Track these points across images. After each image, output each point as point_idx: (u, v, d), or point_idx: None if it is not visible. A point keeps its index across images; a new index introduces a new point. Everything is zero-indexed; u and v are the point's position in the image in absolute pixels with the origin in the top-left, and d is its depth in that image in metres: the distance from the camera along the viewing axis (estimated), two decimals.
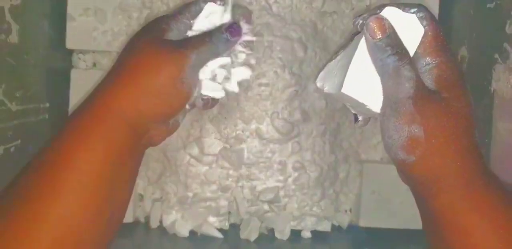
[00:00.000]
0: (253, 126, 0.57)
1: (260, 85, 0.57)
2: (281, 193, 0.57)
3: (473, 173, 0.31)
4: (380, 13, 0.31)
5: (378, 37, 0.30)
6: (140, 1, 0.57)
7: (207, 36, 0.35)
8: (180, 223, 0.57)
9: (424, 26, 0.32)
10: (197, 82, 0.35)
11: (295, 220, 0.58)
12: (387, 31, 0.31)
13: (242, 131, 0.57)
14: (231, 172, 0.57)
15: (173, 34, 0.35)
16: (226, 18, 0.37)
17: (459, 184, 0.30)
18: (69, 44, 0.56)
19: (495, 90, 0.43)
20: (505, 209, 0.30)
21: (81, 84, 0.57)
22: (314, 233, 0.58)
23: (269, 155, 0.57)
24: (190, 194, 0.57)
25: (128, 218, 0.56)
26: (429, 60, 0.31)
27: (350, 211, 0.60)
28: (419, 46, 0.32)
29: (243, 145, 0.57)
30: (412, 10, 0.32)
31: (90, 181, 0.30)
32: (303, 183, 0.57)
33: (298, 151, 0.57)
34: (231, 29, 0.35)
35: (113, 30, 0.57)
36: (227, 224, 0.58)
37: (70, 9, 0.56)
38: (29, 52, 0.49)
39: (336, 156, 0.59)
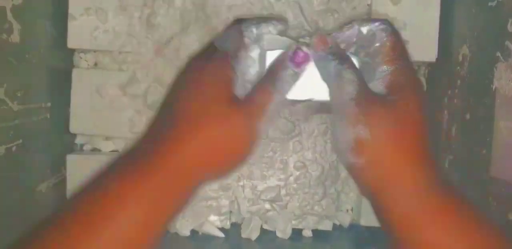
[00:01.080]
0: None
1: None
2: (282, 192, 0.57)
3: (427, 181, 0.29)
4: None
5: (321, 48, 0.32)
6: (141, 0, 0.57)
7: (270, 83, 0.32)
8: (181, 222, 0.57)
9: (383, 38, 0.33)
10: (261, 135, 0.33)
11: (296, 219, 0.58)
12: (329, 44, 0.32)
13: None
14: None
15: (237, 80, 0.32)
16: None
17: (413, 193, 0.29)
18: (70, 44, 0.56)
19: (496, 89, 0.43)
20: (463, 223, 0.29)
21: (83, 84, 0.57)
22: (315, 232, 0.58)
23: (270, 154, 0.57)
24: None
25: None
26: (385, 68, 0.32)
27: (352, 210, 0.60)
28: (378, 56, 0.32)
29: None
30: (376, 24, 0.33)
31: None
32: (304, 182, 0.57)
33: (299, 150, 0.57)
34: (297, 58, 0.32)
35: (114, 29, 0.57)
36: (228, 223, 0.58)
37: (71, 9, 0.56)
38: (31, 51, 0.49)
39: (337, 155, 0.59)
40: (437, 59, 0.56)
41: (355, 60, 0.33)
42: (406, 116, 0.30)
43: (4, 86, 0.43)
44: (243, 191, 0.58)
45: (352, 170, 0.31)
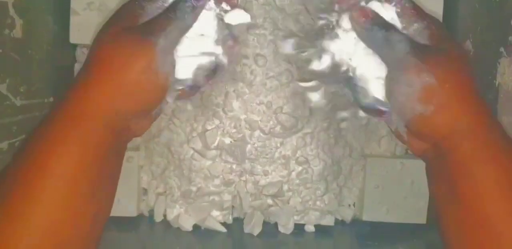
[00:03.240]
0: (257, 120, 0.57)
1: (264, 79, 0.56)
2: (285, 187, 0.58)
3: (490, 120, 0.31)
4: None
5: (364, 21, 0.33)
6: None
7: (170, 11, 0.33)
8: (183, 217, 0.57)
9: (397, 5, 0.34)
10: (173, 67, 0.34)
11: (299, 214, 0.58)
12: (370, 16, 0.34)
13: (246, 126, 0.57)
14: (234, 166, 0.58)
15: (147, 19, 0.34)
16: None
17: (480, 132, 0.31)
18: (73, 39, 0.56)
19: (500, 84, 0.43)
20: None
21: None
22: (318, 227, 0.58)
23: (273, 149, 0.57)
24: (194, 188, 0.57)
25: (132, 212, 0.57)
26: (416, 25, 0.34)
27: (354, 205, 0.61)
28: (402, 20, 0.34)
29: (247, 140, 0.57)
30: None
31: (65, 185, 0.30)
32: (306, 178, 0.57)
33: (302, 145, 0.57)
34: None
35: None
36: (230, 218, 0.58)
37: (73, 4, 0.56)
38: (33, 47, 0.49)
39: (340, 150, 0.59)
40: None
41: None
42: (460, 60, 0.32)
43: (6, 82, 0.43)
44: (246, 186, 0.58)
45: (421, 121, 0.32)
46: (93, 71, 0.32)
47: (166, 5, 0.34)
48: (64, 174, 0.30)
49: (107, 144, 0.32)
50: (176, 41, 0.34)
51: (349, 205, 0.60)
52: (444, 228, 0.33)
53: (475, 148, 0.31)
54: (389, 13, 0.34)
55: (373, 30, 0.33)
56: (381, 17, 0.34)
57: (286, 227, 0.57)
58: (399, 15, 0.34)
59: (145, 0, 0.34)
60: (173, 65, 0.34)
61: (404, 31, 0.34)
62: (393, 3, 0.34)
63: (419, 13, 0.34)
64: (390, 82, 0.33)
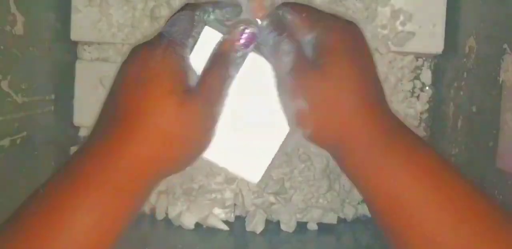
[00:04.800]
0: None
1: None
2: (287, 185, 0.57)
3: (372, 133, 0.30)
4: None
5: (260, 13, 0.32)
6: None
7: (222, 67, 0.30)
8: (185, 215, 0.57)
9: (289, 17, 0.32)
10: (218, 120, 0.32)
11: (301, 212, 0.58)
12: (265, 9, 0.32)
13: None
14: None
15: (190, 70, 0.30)
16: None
17: (358, 147, 0.30)
18: (74, 36, 0.56)
19: (503, 81, 0.42)
20: (410, 168, 0.29)
21: (86, 76, 0.57)
22: (320, 225, 0.58)
23: None
24: (196, 186, 0.57)
25: None
26: (308, 36, 0.32)
27: (358, 203, 0.60)
28: (296, 31, 0.32)
29: None
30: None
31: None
32: (309, 175, 0.57)
33: (304, 142, 0.57)
34: (245, 38, 0.31)
35: (118, 21, 0.57)
36: (232, 216, 0.58)
37: (75, 1, 0.56)
38: (35, 44, 0.49)
39: None
40: (443, 51, 0.56)
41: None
42: (341, 77, 0.30)
43: (8, 79, 0.43)
44: (248, 184, 0.58)
45: (307, 139, 0.32)
46: (142, 134, 0.28)
47: (201, 46, 0.31)
48: (89, 239, 0.27)
49: (140, 203, 0.30)
50: (226, 98, 0.31)
51: (351, 203, 0.60)
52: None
53: (363, 160, 0.30)
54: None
55: (267, 28, 0.32)
56: (278, 16, 0.32)
57: (288, 225, 0.57)
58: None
59: (180, 46, 0.30)
60: (218, 119, 0.32)
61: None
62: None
63: (308, 24, 0.32)
64: (277, 92, 0.32)
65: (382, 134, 0.30)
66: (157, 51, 0.29)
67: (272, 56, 0.32)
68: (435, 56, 0.58)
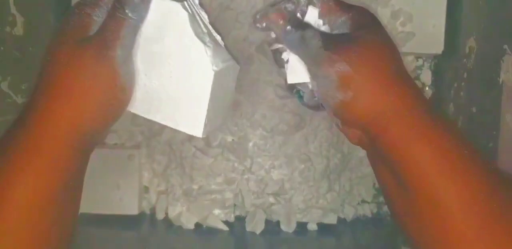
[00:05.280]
0: (259, 118, 0.57)
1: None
2: (287, 185, 0.57)
3: (414, 99, 0.31)
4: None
5: (281, 23, 0.34)
6: None
7: (118, 9, 0.30)
8: (185, 215, 0.57)
9: (320, 5, 0.34)
10: (134, 70, 0.32)
11: (301, 213, 0.58)
12: (286, 17, 0.34)
13: (248, 123, 0.57)
14: (236, 164, 0.57)
15: (97, 26, 0.31)
16: None
17: (405, 112, 0.30)
18: None
19: (503, 82, 0.42)
20: (451, 136, 0.30)
21: None
22: (320, 225, 0.58)
23: (275, 147, 0.57)
24: (196, 187, 0.57)
25: (134, 210, 0.57)
26: (340, 19, 0.33)
27: (358, 204, 0.60)
28: (328, 19, 0.34)
29: (249, 137, 0.57)
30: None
31: (31, 216, 0.29)
32: (309, 176, 0.57)
33: (304, 143, 0.57)
34: None
35: None
36: (232, 216, 0.58)
37: (74, 1, 0.55)
38: (34, 44, 0.49)
39: (343, 148, 0.58)
40: (443, 51, 0.55)
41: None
42: (378, 43, 0.32)
43: (8, 79, 0.43)
44: (248, 184, 0.58)
45: (345, 109, 0.32)
46: (54, 94, 0.30)
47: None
48: (29, 205, 0.29)
49: (74, 166, 0.31)
50: (133, 42, 0.31)
51: (351, 203, 0.60)
52: (396, 216, 0.32)
53: (401, 129, 0.30)
54: (313, 15, 0.34)
55: (291, 31, 0.33)
56: (296, 18, 0.34)
57: (288, 226, 0.57)
58: (322, 15, 0.34)
59: (88, 6, 0.31)
60: (133, 68, 0.32)
61: (330, 29, 0.34)
62: (317, 5, 0.34)
63: (342, 7, 0.34)
64: (312, 78, 0.34)
65: (424, 102, 0.31)
66: (65, 16, 0.31)
67: (301, 47, 0.33)
68: (435, 57, 0.58)
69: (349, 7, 0.34)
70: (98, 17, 0.31)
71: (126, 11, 0.30)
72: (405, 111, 0.30)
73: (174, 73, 0.32)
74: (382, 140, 0.31)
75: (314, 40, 0.32)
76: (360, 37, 0.32)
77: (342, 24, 0.34)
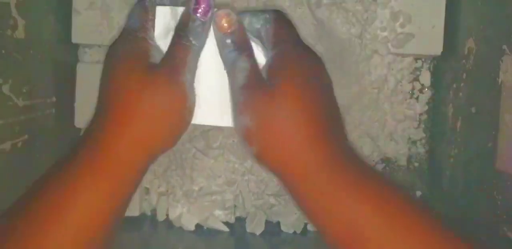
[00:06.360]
0: None
1: None
2: None
3: (318, 160, 0.29)
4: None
5: (225, 32, 0.32)
6: None
7: (183, 37, 0.31)
8: (186, 216, 0.57)
9: (267, 25, 0.32)
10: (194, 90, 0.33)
11: (301, 213, 0.58)
12: (232, 27, 0.32)
13: None
14: (237, 165, 0.58)
15: (154, 49, 0.32)
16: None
17: (303, 173, 0.29)
18: (75, 39, 0.56)
19: (502, 82, 0.42)
20: (354, 194, 0.28)
21: (87, 78, 0.57)
22: None
23: None
24: (196, 188, 0.57)
25: (134, 211, 0.57)
26: (270, 53, 0.32)
27: None
28: (265, 43, 0.32)
29: None
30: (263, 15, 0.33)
31: (82, 242, 0.29)
32: None
33: None
34: (197, 6, 0.31)
35: (119, 24, 0.57)
36: (233, 217, 0.58)
37: (75, 3, 0.56)
38: (36, 47, 0.49)
39: None
40: (442, 52, 0.55)
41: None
42: (287, 99, 0.29)
43: (9, 82, 0.43)
44: (248, 185, 0.58)
45: (251, 155, 0.31)
46: (127, 120, 0.30)
47: (159, 25, 0.33)
48: (84, 228, 0.29)
49: (133, 190, 0.31)
50: (196, 65, 0.32)
51: None
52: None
53: (305, 190, 0.29)
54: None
55: (230, 47, 0.32)
56: (241, 35, 0.32)
57: (288, 226, 0.57)
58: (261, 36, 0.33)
59: (139, 31, 0.32)
60: (194, 89, 0.32)
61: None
62: (260, 22, 0.33)
63: (278, 42, 0.32)
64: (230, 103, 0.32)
65: (328, 162, 0.29)
66: (118, 43, 0.32)
67: (229, 70, 0.32)
68: (435, 58, 0.58)
69: (282, 41, 0.32)
70: (151, 40, 0.32)
71: (190, 38, 0.31)
72: (308, 172, 0.29)
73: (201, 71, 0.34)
74: (292, 194, 0.30)
75: (242, 73, 0.31)
76: (272, 89, 0.30)
77: (267, 57, 0.32)
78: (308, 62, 0.31)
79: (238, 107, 0.31)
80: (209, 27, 0.32)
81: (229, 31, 0.32)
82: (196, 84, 0.33)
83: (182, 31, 0.31)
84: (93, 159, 0.29)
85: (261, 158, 0.30)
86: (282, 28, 0.32)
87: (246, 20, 0.33)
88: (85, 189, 0.29)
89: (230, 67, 0.32)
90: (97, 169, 0.29)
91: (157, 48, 0.32)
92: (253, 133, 0.30)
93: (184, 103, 0.31)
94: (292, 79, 0.30)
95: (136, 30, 0.32)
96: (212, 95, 0.34)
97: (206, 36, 0.32)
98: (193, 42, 0.31)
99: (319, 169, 0.29)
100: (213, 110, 0.34)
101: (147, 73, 0.30)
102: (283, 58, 0.31)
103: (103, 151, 0.29)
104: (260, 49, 0.33)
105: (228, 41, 0.32)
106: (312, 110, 0.30)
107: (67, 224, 0.28)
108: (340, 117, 0.31)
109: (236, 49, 0.32)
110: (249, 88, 0.30)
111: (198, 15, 0.31)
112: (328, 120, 0.30)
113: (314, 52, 0.32)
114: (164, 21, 0.33)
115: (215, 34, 0.33)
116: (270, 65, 0.31)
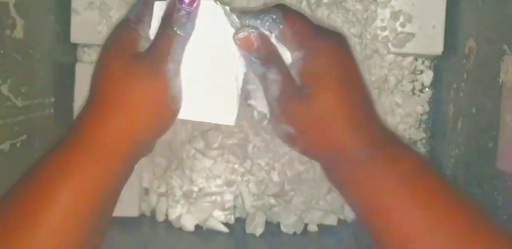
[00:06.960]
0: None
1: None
2: (287, 187, 0.57)
3: (354, 150, 0.31)
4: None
5: (246, 49, 0.32)
6: None
7: (167, 27, 0.31)
8: (185, 217, 0.57)
9: (280, 25, 0.32)
10: (181, 81, 0.33)
11: (301, 214, 0.58)
12: (255, 44, 0.32)
13: (248, 125, 0.57)
14: (236, 166, 0.57)
15: (144, 40, 0.32)
16: None
17: (343, 163, 0.31)
18: (74, 38, 0.56)
19: (503, 82, 0.42)
20: (387, 177, 0.30)
21: (86, 78, 0.56)
22: (321, 227, 0.58)
23: (275, 148, 0.57)
24: (196, 188, 0.57)
25: (134, 212, 0.57)
26: (296, 54, 0.32)
27: None
28: (285, 44, 0.33)
29: (249, 139, 0.57)
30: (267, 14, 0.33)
31: (73, 221, 0.30)
32: (309, 177, 0.57)
33: None
34: None
35: None
36: (232, 218, 0.58)
37: (74, 3, 0.56)
38: (34, 47, 0.49)
39: None
40: (443, 52, 0.55)
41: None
42: (323, 109, 0.31)
43: (8, 82, 0.43)
44: (248, 186, 0.58)
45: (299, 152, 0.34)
46: (110, 106, 0.31)
47: (156, 19, 0.33)
48: (73, 210, 0.30)
49: (120, 175, 0.32)
50: (182, 56, 0.33)
51: None
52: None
53: (350, 178, 0.31)
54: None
55: (255, 63, 0.32)
56: (266, 49, 0.32)
57: (289, 227, 0.57)
58: (278, 39, 0.33)
59: (133, 23, 0.33)
60: (181, 81, 0.33)
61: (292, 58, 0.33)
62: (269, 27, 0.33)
63: (297, 41, 0.32)
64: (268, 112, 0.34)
65: (364, 149, 0.31)
66: (111, 33, 0.33)
67: (261, 82, 0.33)
68: (435, 57, 0.58)
69: (305, 42, 0.32)
70: (144, 32, 0.33)
71: (175, 29, 0.31)
72: (346, 162, 0.31)
73: (202, 67, 0.34)
74: (333, 178, 0.33)
75: (274, 86, 0.32)
76: (308, 98, 0.31)
77: (295, 61, 0.33)
78: (335, 58, 0.32)
79: (276, 117, 0.32)
80: (195, 17, 0.32)
81: (253, 49, 0.32)
82: (192, 80, 0.33)
83: (167, 20, 0.32)
84: (78, 143, 0.31)
85: (306, 154, 0.34)
86: (295, 24, 0.33)
87: (250, 22, 0.33)
88: (71, 171, 0.30)
89: (262, 80, 0.33)
90: (82, 153, 0.30)
91: (149, 40, 0.33)
92: (294, 139, 0.32)
93: (165, 91, 0.31)
94: (325, 85, 0.31)
95: (132, 22, 0.33)
96: (211, 91, 0.34)
97: (192, 26, 0.32)
98: (178, 32, 0.31)
99: (355, 157, 0.31)
100: (212, 106, 0.34)
101: (130, 62, 0.31)
102: (312, 60, 0.32)
103: (87, 136, 0.31)
104: (282, 47, 0.33)
105: (255, 57, 0.32)
106: (349, 110, 0.31)
107: (53, 205, 0.29)
108: (372, 98, 0.33)
109: (264, 63, 0.32)
110: (284, 100, 0.32)
111: (183, 5, 0.31)
112: (364, 109, 0.32)
113: (335, 34, 0.33)
114: (160, 15, 0.33)
115: (239, 51, 0.33)
116: (299, 69, 0.32)
